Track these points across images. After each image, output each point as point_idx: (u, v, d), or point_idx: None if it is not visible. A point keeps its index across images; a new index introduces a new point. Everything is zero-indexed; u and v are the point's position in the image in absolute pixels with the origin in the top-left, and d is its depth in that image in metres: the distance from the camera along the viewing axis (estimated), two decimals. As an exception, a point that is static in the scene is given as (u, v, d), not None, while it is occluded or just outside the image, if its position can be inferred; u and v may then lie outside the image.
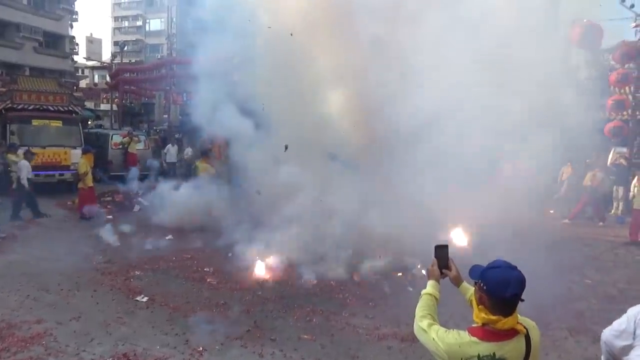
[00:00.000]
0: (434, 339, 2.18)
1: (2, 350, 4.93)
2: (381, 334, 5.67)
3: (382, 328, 5.85)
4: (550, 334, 5.68)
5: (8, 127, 14.63)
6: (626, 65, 15.96)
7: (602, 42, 15.11)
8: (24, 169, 11.57)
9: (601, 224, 13.16)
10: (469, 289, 2.51)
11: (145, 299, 6.56)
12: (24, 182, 11.46)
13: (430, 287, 2.50)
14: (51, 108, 15.93)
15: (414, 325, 2.36)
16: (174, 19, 30.76)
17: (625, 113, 16.45)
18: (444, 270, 2.56)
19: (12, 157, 12.42)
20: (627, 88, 16.60)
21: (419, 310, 2.38)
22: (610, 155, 15.45)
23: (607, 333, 2.61)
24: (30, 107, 15.47)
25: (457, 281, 2.60)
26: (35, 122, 15.19)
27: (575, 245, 10.38)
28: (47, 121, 15.50)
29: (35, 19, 30.60)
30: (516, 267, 2.12)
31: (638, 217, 10.99)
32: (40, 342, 5.15)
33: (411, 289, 6.99)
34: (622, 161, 15.18)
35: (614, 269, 8.84)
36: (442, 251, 2.59)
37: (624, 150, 15.73)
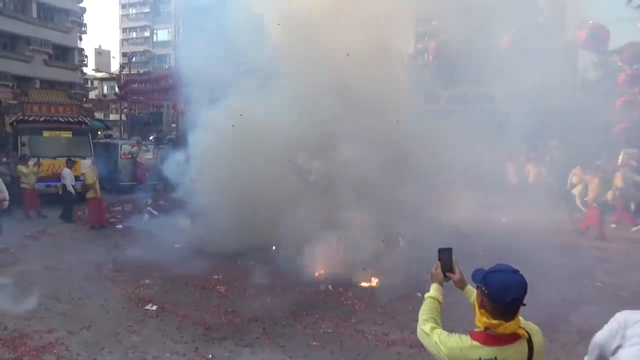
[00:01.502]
0: (436, 342, 2.19)
1: (15, 360, 4.99)
2: (390, 340, 5.65)
3: (391, 334, 5.83)
4: (561, 338, 5.63)
5: (19, 139, 14.86)
6: (634, 66, 15.88)
7: (609, 44, 15.09)
8: (67, 177, 12.64)
9: (613, 225, 13.02)
10: (473, 292, 2.48)
11: (154, 308, 6.59)
12: (70, 188, 12.59)
13: (433, 290, 2.50)
14: (61, 119, 16.11)
15: (417, 329, 2.37)
16: (181, 30, 31.11)
17: (635, 113, 16.34)
18: (447, 274, 2.55)
19: (22, 168, 12.65)
20: (636, 89, 16.49)
21: (422, 314, 2.39)
22: (620, 157, 15.28)
23: (600, 336, 2.69)
24: (41, 119, 15.65)
25: (460, 284, 2.58)
26: (45, 134, 15.39)
27: (586, 247, 10.28)
28: (57, 132, 15.71)
29: (44, 32, 31.08)
30: (518, 271, 2.12)
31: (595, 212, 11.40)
32: (52, 351, 5.21)
33: (420, 294, 6.96)
34: (633, 162, 15.01)
35: (625, 271, 8.73)
36: (445, 254, 2.57)
37: (635, 151, 15.55)
